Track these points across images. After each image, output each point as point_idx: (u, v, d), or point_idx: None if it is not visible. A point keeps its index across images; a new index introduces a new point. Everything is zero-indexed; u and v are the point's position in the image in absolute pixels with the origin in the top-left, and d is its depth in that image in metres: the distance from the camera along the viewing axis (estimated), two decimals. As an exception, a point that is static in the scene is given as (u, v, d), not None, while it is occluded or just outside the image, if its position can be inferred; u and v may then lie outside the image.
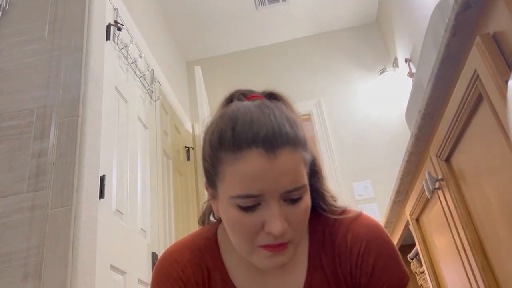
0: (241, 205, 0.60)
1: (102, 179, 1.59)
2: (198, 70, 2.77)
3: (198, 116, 2.68)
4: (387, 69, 3.26)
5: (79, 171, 1.41)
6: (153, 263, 2.03)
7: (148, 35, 2.72)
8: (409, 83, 2.90)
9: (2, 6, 1.80)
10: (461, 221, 1.01)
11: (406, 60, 2.93)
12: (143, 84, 2.44)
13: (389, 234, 0.73)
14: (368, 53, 3.54)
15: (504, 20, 0.70)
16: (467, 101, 0.85)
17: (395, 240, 1.79)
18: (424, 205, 1.31)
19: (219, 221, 0.77)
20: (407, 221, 1.53)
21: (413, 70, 2.83)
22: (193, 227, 2.82)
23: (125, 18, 2.25)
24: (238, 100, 0.71)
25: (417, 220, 1.44)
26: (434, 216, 1.24)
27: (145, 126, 2.34)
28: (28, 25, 1.75)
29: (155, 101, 2.60)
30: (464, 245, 1.01)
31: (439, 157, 1.08)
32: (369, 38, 3.61)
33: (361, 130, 3.24)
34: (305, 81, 3.50)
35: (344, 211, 0.74)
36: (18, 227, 1.34)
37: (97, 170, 1.53)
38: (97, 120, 1.59)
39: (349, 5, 3.49)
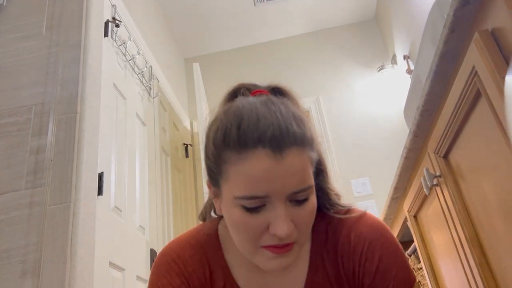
0: (245, 206, 0.59)
1: (100, 176, 1.59)
2: (196, 67, 2.77)
3: (197, 113, 2.67)
4: (386, 66, 3.26)
5: (77, 168, 1.41)
6: (152, 260, 2.03)
7: (146, 31, 2.71)
8: (407, 80, 2.90)
9: (-1, 2, 1.79)
10: (459, 217, 1.01)
11: (404, 57, 2.93)
12: (141, 81, 2.44)
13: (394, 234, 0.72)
14: (367, 50, 3.54)
15: (503, 17, 0.70)
16: (465, 97, 0.85)
17: (393, 236, 1.80)
18: (422, 201, 1.31)
19: (220, 217, 0.75)
20: (405, 217, 1.53)
21: (412, 67, 2.83)
22: (192, 224, 2.82)
23: (123, 14, 2.24)
24: (243, 95, 0.68)
25: (415, 216, 1.44)
26: (432, 213, 1.25)
27: (143, 123, 2.34)
28: (25, 21, 1.74)
29: (154, 98, 2.60)
30: (462, 241, 1.01)
31: (437, 153, 1.08)
32: (368, 35, 3.61)
33: (359, 127, 3.24)
34: (304, 78, 3.49)
35: (348, 211, 0.72)
36: (17, 224, 1.34)
37: (96, 167, 1.53)
38: (95, 117, 1.59)
39: (348, 2, 3.49)
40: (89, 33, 1.68)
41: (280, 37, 3.75)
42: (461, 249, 1.03)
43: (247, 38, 3.72)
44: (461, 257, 1.04)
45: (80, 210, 1.35)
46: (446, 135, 0.99)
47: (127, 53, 2.24)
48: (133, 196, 1.98)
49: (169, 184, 2.61)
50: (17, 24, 1.74)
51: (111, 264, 1.60)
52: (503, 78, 0.69)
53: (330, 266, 0.70)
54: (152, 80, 2.62)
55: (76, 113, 1.50)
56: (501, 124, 0.74)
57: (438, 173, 1.09)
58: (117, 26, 2.08)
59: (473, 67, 0.78)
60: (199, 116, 2.62)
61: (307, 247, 0.72)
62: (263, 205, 0.58)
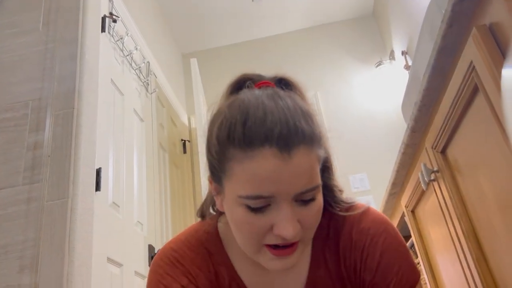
0: (249, 205, 0.56)
1: (98, 172, 1.59)
2: (194, 62, 2.76)
3: (194, 109, 2.67)
4: (384, 61, 3.26)
5: (75, 164, 1.41)
6: (150, 255, 2.03)
7: (143, 27, 2.70)
8: (405, 75, 2.90)
9: (-5, -3, 1.78)
10: (456, 212, 1.01)
11: (402, 53, 2.93)
12: (139, 77, 2.43)
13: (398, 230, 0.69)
14: (365, 46, 3.54)
15: (501, 12, 0.70)
16: (463, 92, 0.86)
17: (391, 232, 1.80)
18: (419, 196, 1.32)
19: (218, 214, 0.73)
20: (403, 212, 1.54)
21: (410, 63, 2.83)
22: (190, 219, 2.83)
23: (120, 10, 2.23)
24: (248, 87, 0.64)
25: (412, 211, 1.45)
26: (429, 208, 1.25)
27: (141, 119, 2.33)
28: (22, 16, 1.73)
29: (151, 93, 2.59)
30: (459, 236, 1.02)
31: (434, 148, 1.08)
32: (366, 30, 3.60)
33: (357, 122, 3.24)
34: (302, 73, 3.48)
35: (351, 207, 0.70)
36: (14, 220, 1.34)
37: (93, 162, 1.53)
38: (92, 112, 1.59)
39: (346, -3, 3.48)
40: (86, 29, 1.67)
41: (278, 32, 3.74)
42: (458, 243, 1.03)
43: (245, 33, 3.71)
44: (458, 251, 1.04)
45: (78, 206, 1.35)
46: (443, 130, 0.99)
47: (124, 49, 2.23)
48: (131, 192, 1.98)
49: (167, 180, 2.61)
50: (14, 19, 1.73)
51: (109, 260, 1.60)
52: (501, 73, 0.69)
53: (332, 262, 0.69)
54: (150, 75, 2.61)
55: (74, 108, 1.49)
56: (498, 119, 0.74)
57: (435, 168, 1.09)
58: (114, 21, 2.07)
59: (471, 62, 0.78)
60: (196, 112, 2.62)
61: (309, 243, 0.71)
62: (268, 205, 0.56)
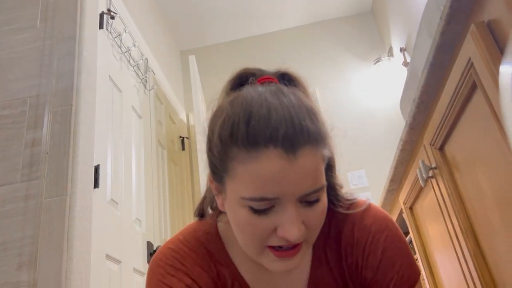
0: (253, 207, 0.55)
1: (96, 169, 1.59)
2: (192, 59, 2.76)
3: (193, 106, 2.66)
4: (382, 58, 3.25)
5: (73, 161, 1.41)
6: (148, 252, 2.04)
7: (141, 23, 2.70)
8: (403, 72, 2.90)
9: (-7, -7, 1.77)
10: (454, 209, 1.02)
11: (401, 50, 2.93)
12: (137, 74, 2.43)
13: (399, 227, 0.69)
14: (363, 43, 3.53)
15: (499, 8, 0.70)
16: (461, 89, 0.86)
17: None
18: (417, 193, 1.32)
19: (218, 212, 0.71)
20: (401, 209, 1.54)
21: (408, 60, 2.83)
22: (188, 216, 2.83)
23: (118, 6, 2.22)
24: (251, 83, 0.62)
25: (410, 208, 1.45)
26: (427, 204, 1.25)
27: (139, 116, 2.33)
28: (19, 13, 1.72)
29: (149, 90, 2.59)
30: (457, 232, 1.02)
31: (433, 145, 1.09)
32: (364, 27, 3.60)
33: (355, 119, 3.24)
34: (300, 70, 3.45)
35: (352, 205, 0.70)
36: (12, 217, 1.34)
37: (92, 159, 1.53)
38: (91, 109, 1.58)
39: (344, -6, 3.48)
40: (84, 25, 1.67)
41: (277, 29, 3.73)
42: (456, 240, 1.04)
43: (244, 30, 3.70)
44: (456, 248, 1.05)
45: (77, 203, 1.35)
46: (442, 127, 1.00)
47: (122, 45, 2.23)
48: (129, 189, 1.98)
49: (166, 177, 2.61)
50: (11, 16, 1.73)
51: (108, 257, 1.61)
52: (499, 69, 0.69)
53: (334, 260, 0.68)
54: (148, 72, 2.60)
55: (72, 105, 1.49)
56: (496, 116, 0.74)
57: (433, 165, 1.09)
58: (112, 18, 2.07)
59: (469, 58, 0.78)
60: (195, 109, 2.62)
61: None
62: (272, 206, 0.54)
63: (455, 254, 1.06)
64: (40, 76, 1.57)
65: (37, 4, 1.73)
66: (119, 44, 2.19)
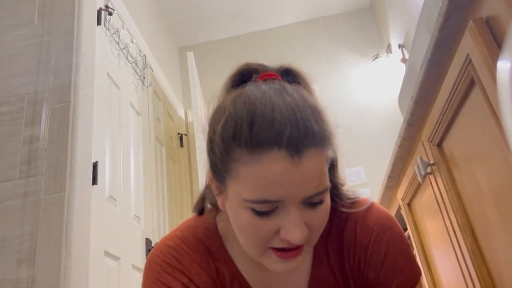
0: (255, 209, 0.54)
1: (94, 166, 1.59)
2: (190, 55, 2.75)
3: (191, 103, 2.66)
4: (380, 55, 3.25)
5: (72, 158, 1.41)
6: (147, 249, 2.04)
7: (139, 20, 2.69)
8: (402, 68, 2.90)
9: (-10, -10, 1.76)
10: (452, 205, 1.02)
11: (399, 46, 2.93)
12: (135, 70, 2.42)
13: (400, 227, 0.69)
14: (362, 39, 3.53)
15: (497, 5, 0.70)
16: (459, 86, 0.86)
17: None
18: (415, 189, 1.32)
19: (216, 209, 0.69)
20: (399, 205, 1.54)
21: (406, 56, 2.83)
22: (187, 212, 2.83)
23: (115, 2, 2.22)
24: (254, 81, 0.60)
25: (408, 204, 1.45)
26: (425, 201, 1.26)
27: (137, 113, 2.33)
28: (17, 9, 1.72)
29: (148, 87, 2.58)
30: (455, 228, 1.02)
31: (431, 142, 1.09)
32: (363, 23, 3.60)
33: (353, 116, 3.24)
34: (298, 66, 3.48)
35: (354, 203, 0.69)
36: (11, 214, 1.34)
37: (90, 156, 1.53)
38: (89, 106, 1.58)
39: (343, -10, 3.47)
40: (81, 21, 1.66)
41: (275, 25, 3.73)
42: (453, 236, 1.04)
43: (242, 27, 3.70)
44: (453, 244, 1.05)
45: (75, 200, 1.35)
46: (440, 123, 1.00)
47: (120, 42, 2.22)
48: (127, 185, 1.98)
49: (164, 173, 2.61)
50: (8, 12, 1.72)
51: (107, 253, 1.61)
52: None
53: (335, 259, 0.68)
54: (146, 69, 2.60)
55: (70, 102, 1.49)
56: (494, 112, 0.74)
57: (431, 161, 1.09)
58: (110, 14, 2.06)
59: (467, 55, 0.78)
60: (193, 105, 2.61)
61: None
62: (275, 208, 0.54)
63: (452, 250, 1.06)
64: (37, 72, 1.56)
65: (34, 0, 1.72)
66: (117, 40, 2.18)
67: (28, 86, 1.54)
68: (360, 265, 0.67)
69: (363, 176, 3.03)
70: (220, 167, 0.56)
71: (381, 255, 0.65)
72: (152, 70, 2.75)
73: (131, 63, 2.36)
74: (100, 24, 1.95)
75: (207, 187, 0.70)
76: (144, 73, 2.54)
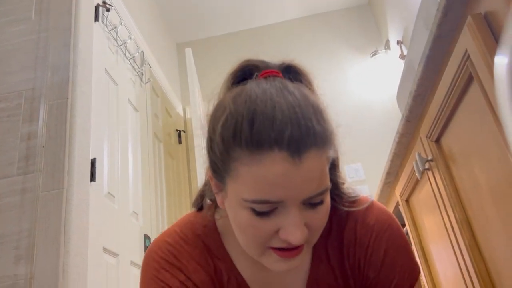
0: (255, 209, 0.53)
1: (93, 162, 1.59)
2: (188, 52, 2.74)
3: (189, 99, 2.66)
4: (379, 51, 3.25)
5: (70, 154, 1.40)
6: (145, 245, 2.04)
7: (137, 16, 2.68)
8: (400, 65, 2.89)
9: (-14, -15, 1.75)
10: (450, 201, 1.02)
11: (398, 42, 2.92)
12: (133, 67, 2.42)
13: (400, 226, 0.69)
14: (360, 35, 3.52)
15: (495, 0, 0.70)
16: (458, 81, 0.86)
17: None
18: (414, 186, 1.33)
19: (215, 205, 0.68)
20: (397, 202, 1.55)
21: (405, 52, 2.83)
22: (185, 209, 2.83)
23: (113, -2, 2.21)
24: (256, 78, 0.59)
25: (407, 201, 1.45)
26: (423, 197, 1.26)
27: (135, 109, 2.32)
28: (14, 5, 1.71)
29: (146, 83, 2.58)
30: (453, 224, 1.03)
31: (429, 138, 1.09)
32: (361, 20, 3.59)
33: (352, 112, 3.24)
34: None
35: (355, 202, 0.68)
36: (9, 210, 1.34)
37: (88, 153, 1.53)
38: (86, 102, 1.58)
39: (341, -14, 3.46)
40: (79, 17, 1.65)
41: (274, 22, 3.72)
42: (451, 232, 1.04)
43: (240, 23, 3.69)
44: (451, 240, 1.05)
45: (73, 197, 1.35)
46: (438, 119, 1.00)
47: (118, 38, 2.21)
48: (126, 182, 1.98)
49: (162, 170, 2.61)
50: (6, 8, 1.71)
51: (105, 250, 1.61)
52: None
53: (335, 259, 0.68)
54: (144, 65, 2.59)
55: (67, 98, 1.48)
56: (492, 108, 0.74)
57: (430, 158, 1.09)
58: (108, 10, 2.05)
59: (466, 50, 0.78)
60: (192, 102, 2.60)
61: None
62: (275, 208, 0.53)
63: (451, 246, 1.07)
64: (35, 68, 1.56)
65: (31, -4, 1.71)
66: (114, 37, 2.18)
67: (26, 82, 1.54)
68: (360, 264, 0.67)
69: (362, 173, 3.04)
70: (219, 166, 0.56)
71: (381, 254, 0.65)
72: (150, 67, 2.74)
73: (129, 60, 2.36)
74: (97, 21, 1.94)
75: (207, 184, 0.69)
76: (142, 70, 2.53)
